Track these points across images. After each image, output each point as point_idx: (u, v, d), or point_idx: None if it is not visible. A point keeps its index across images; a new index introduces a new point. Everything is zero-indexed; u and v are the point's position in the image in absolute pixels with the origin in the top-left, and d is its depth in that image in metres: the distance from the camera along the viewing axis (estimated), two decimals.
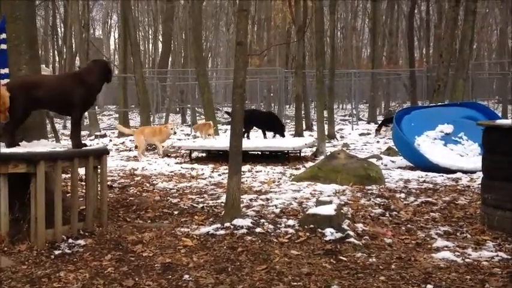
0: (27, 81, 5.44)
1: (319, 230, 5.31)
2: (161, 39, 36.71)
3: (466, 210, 6.65)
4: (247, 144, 11.68)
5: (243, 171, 8.99)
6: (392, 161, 11.84)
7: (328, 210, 5.45)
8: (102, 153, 5.52)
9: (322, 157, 12.72)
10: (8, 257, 4.66)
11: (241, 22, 5.66)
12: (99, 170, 5.60)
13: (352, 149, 15.29)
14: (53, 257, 4.74)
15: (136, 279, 4.22)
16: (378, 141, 17.12)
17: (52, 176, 5.29)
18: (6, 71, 6.91)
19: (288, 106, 25.99)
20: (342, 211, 5.82)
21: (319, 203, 5.80)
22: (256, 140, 12.86)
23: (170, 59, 32.44)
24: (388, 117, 20.17)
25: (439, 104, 12.80)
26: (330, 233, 5.20)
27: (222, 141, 12.40)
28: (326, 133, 14.94)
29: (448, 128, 11.37)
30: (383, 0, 30.87)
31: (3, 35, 7.05)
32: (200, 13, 16.04)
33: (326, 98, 16.03)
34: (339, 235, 5.16)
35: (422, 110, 12.20)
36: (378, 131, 18.36)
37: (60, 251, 4.85)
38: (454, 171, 9.97)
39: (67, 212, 5.28)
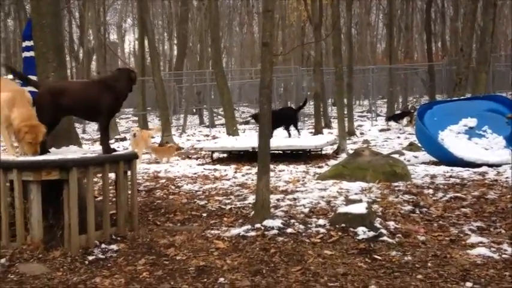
0: (55, 88, 5.47)
1: (351, 229, 5.28)
2: (176, 42, 36.84)
3: (496, 204, 6.56)
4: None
5: None
6: (415, 157, 11.75)
7: (360, 208, 5.41)
8: (132, 158, 5.54)
9: (343, 154, 12.69)
10: (43, 264, 4.69)
11: (267, 23, 5.64)
12: (129, 174, 5.61)
13: (373, 145, 15.20)
14: (87, 262, 4.76)
15: (172, 283, 4.23)
16: (398, 137, 16.99)
17: (82, 182, 5.33)
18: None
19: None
20: (372, 209, 5.76)
21: (349, 201, 5.76)
22: (277, 139, 12.83)
23: (185, 61, 32.54)
24: (402, 111, 20.15)
25: (462, 97, 12.68)
26: (362, 232, 5.17)
27: (242, 141, 12.40)
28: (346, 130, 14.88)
29: (471, 122, 11.25)
30: None
31: (27, 43, 7.15)
32: (217, 14, 16.05)
33: (345, 95, 15.93)
34: (371, 234, 5.12)
35: (444, 104, 12.08)
36: (391, 119, 18.65)
37: (93, 257, 4.87)
38: (479, 165, 9.85)
39: (98, 217, 5.31)
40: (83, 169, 4.98)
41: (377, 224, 5.34)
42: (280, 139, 12.38)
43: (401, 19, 26.19)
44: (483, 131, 11.13)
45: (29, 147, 5.01)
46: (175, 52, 38.49)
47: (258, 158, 5.76)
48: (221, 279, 4.24)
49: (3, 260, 4.67)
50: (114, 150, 5.59)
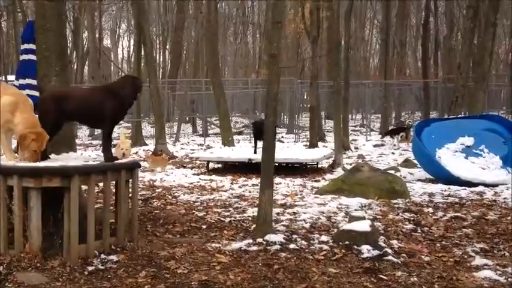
0: (58, 94, 5.37)
1: (355, 246, 5.21)
2: (169, 49, 36.74)
3: (497, 226, 6.53)
4: None
5: None
6: (411, 173, 11.71)
7: (364, 226, 5.35)
8: (134, 166, 5.44)
9: (339, 169, 12.64)
10: (41, 273, 4.57)
11: (275, 34, 5.59)
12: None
13: (368, 160, 15.15)
14: (86, 273, 4.64)
15: None
16: (393, 153, 16.97)
17: (82, 190, 5.22)
18: (27, 81, 6.90)
19: (296, 116, 25.95)
20: (375, 227, 5.70)
21: (352, 218, 5.69)
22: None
23: (180, 69, 32.47)
24: (396, 127, 20.09)
25: (459, 116, 12.70)
26: (366, 250, 5.10)
27: (238, 152, 12.31)
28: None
29: (468, 141, 11.25)
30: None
31: (26, 45, 7.05)
32: (216, 23, 16.02)
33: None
34: (376, 252, 5.05)
35: (441, 122, 12.09)
36: (387, 134, 18.59)
37: (93, 267, 4.75)
38: (475, 185, 9.83)
39: (96, 227, 5.19)
40: (84, 177, 4.87)
41: (381, 243, 5.28)
42: (276, 151, 12.29)
43: (396, 35, 26.31)
44: (480, 150, 11.12)
45: (32, 155, 4.90)
46: (168, 60, 38.41)
47: (262, 171, 5.69)
48: None
49: (0, 268, 4.54)
50: (116, 159, 5.49)
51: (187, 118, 28.84)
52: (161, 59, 45.02)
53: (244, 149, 13.02)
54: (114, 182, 5.27)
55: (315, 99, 17.05)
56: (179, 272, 4.71)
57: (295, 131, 22.64)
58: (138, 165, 5.50)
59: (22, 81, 6.98)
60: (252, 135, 12.84)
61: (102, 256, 4.97)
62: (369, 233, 5.26)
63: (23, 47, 7.16)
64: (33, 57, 6.55)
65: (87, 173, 4.89)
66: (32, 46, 6.60)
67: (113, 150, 7.28)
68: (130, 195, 5.49)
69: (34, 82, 6.38)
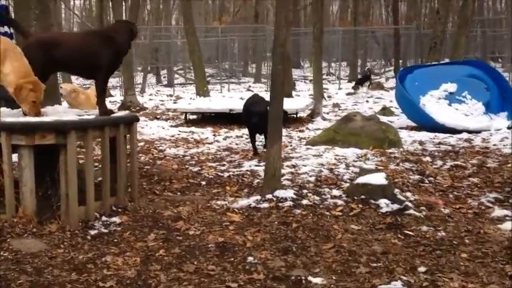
0: (45, 40, 4.78)
1: (372, 201, 4.94)
2: None
3: (501, 174, 6.38)
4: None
5: (246, 135, 8.47)
6: (390, 122, 11.50)
7: (379, 179, 5.07)
8: (132, 120, 4.96)
9: (319, 118, 12.36)
10: (39, 239, 4.13)
11: None
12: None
13: (344, 109, 14.93)
14: (89, 237, 4.23)
15: (195, 263, 3.78)
16: (367, 101, 16.78)
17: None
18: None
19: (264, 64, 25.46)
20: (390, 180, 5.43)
21: (363, 171, 5.41)
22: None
23: (143, 15, 31.18)
24: (363, 76, 19.73)
25: (441, 62, 12.52)
26: (385, 205, 4.83)
27: (218, 103, 11.84)
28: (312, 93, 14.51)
29: (452, 87, 11.09)
30: None
31: None
32: None
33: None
34: (396, 206, 4.79)
35: (424, 68, 11.85)
36: (355, 88, 18.10)
37: (96, 231, 4.33)
38: (459, 131, 9.76)
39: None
40: (81, 133, 4.38)
41: (400, 196, 5.02)
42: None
43: None
44: (463, 96, 11.00)
45: (32, 107, 4.37)
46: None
47: (269, 123, 5.29)
48: (250, 258, 3.82)
49: None
50: (112, 112, 5.00)
51: (149, 68, 27.92)
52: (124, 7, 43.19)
53: (222, 99, 12.58)
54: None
55: (289, 47, 16.53)
56: (191, 233, 4.35)
57: (267, 80, 22.15)
58: (137, 119, 5.03)
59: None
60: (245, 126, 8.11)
61: (104, 218, 4.55)
62: (385, 186, 4.99)
63: None
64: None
65: (84, 128, 4.40)
66: None
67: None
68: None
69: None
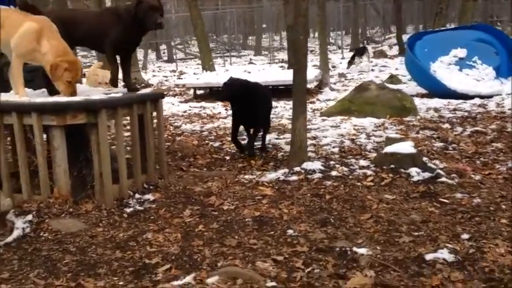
0: (64, 17, 4.70)
1: (402, 170, 4.93)
2: None
3: None
4: (256, 79, 11.08)
5: None
6: (399, 90, 11.49)
7: (408, 147, 5.06)
8: (158, 97, 4.92)
9: (327, 89, 12.32)
10: (77, 219, 4.12)
11: None
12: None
13: (350, 78, 14.88)
14: (125, 215, 4.23)
15: (236, 237, 3.78)
16: (372, 70, 16.71)
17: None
18: None
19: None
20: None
21: (389, 140, 5.39)
22: (263, 73, 12.30)
23: None
24: (356, 49, 19.20)
25: (449, 27, 12.41)
26: (416, 173, 4.83)
27: (225, 76, 11.72)
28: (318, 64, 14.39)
29: (461, 53, 11.04)
30: None
31: None
32: None
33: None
34: (427, 175, 4.79)
35: (433, 34, 11.74)
36: (350, 62, 17.49)
37: (131, 209, 4.33)
38: (471, 97, 9.75)
39: (114, 164, 4.71)
40: (111, 111, 4.34)
41: (431, 164, 5.01)
42: (267, 73, 11.84)
43: None
44: (473, 61, 10.96)
45: (67, 87, 4.30)
46: None
47: (293, 95, 5.26)
48: (290, 231, 3.82)
49: (30, 216, 4.05)
50: (138, 89, 4.95)
51: (148, 44, 27.71)
52: None
53: (229, 73, 12.43)
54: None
55: (292, 17, 16.35)
56: (225, 208, 4.35)
57: (268, 53, 22.02)
58: (162, 96, 4.99)
59: None
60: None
61: (137, 196, 4.54)
62: (415, 155, 4.98)
63: None
64: None
65: (114, 106, 4.36)
66: None
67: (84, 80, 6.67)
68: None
69: None
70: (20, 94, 4.40)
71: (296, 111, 5.23)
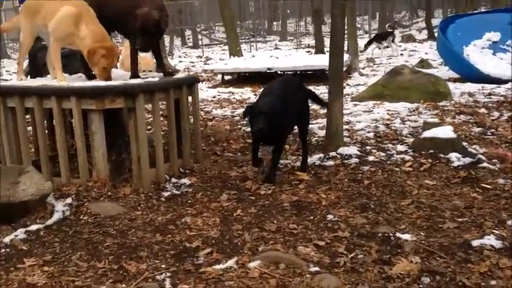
0: (99, 1, 4.67)
1: (442, 155, 4.84)
2: None
3: None
4: (285, 64, 11.03)
5: None
6: (432, 74, 11.30)
7: (447, 132, 4.96)
8: (194, 82, 4.90)
9: (356, 74, 12.18)
10: (116, 202, 4.14)
11: None
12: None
13: (379, 63, 14.71)
14: (163, 199, 4.24)
15: (275, 222, 3.75)
16: (401, 54, 16.50)
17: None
18: None
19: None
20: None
21: (428, 124, 5.29)
22: (291, 59, 12.20)
23: None
24: (382, 32, 18.61)
25: (482, 10, 12.15)
26: (456, 158, 4.73)
27: (254, 62, 11.71)
28: (346, 48, 14.20)
29: (495, 36, 10.83)
30: None
31: None
32: None
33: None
34: (468, 160, 4.69)
35: (465, 18, 11.53)
36: (366, 46, 17.07)
37: (168, 193, 4.34)
38: (505, 81, 9.51)
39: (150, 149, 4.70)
40: (149, 95, 4.33)
41: (470, 149, 4.91)
42: (296, 59, 11.74)
43: None
44: (507, 45, 10.74)
45: (102, 73, 4.31)
46: None
47: (330, 80, 5.20)
48: (330, 216, 3.78)
49: (69, 200, 4.09)
50: (173, 74, 4.93)
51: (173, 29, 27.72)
52: None
53: (258, 59, 12.43)
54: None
55: (319, 2, 16.20)
56: (262, 193, 4.32)
57: (295, 38, 21.84)
58: (197, 80, 4.96)
59: None
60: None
61: (173, 180, 4.54)
62: (454, 140, 4.89)
63: None
64: None
65: (152, 91, 4.34)
66: None
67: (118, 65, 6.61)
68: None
69: None
70: (58, 78, 4.41)
71: (332, 95, 5.16)
